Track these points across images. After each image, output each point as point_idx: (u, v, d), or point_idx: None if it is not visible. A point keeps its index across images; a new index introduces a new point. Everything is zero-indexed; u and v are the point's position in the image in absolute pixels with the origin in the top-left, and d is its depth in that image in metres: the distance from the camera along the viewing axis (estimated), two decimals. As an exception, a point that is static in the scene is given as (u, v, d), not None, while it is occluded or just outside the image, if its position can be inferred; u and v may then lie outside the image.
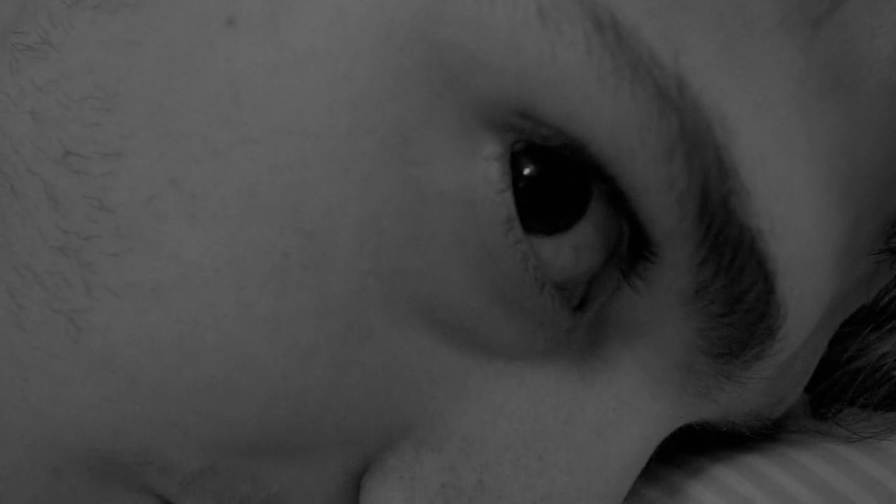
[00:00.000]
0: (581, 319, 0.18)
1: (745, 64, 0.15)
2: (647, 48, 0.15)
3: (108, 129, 0.17)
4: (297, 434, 0.17)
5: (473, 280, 0.17)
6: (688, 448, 0.22)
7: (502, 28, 0.15)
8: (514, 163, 0.16)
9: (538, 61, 0.15)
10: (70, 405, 0.17)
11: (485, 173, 0.16)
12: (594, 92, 0.15)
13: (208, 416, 0.17)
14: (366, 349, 0.17)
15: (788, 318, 0.17)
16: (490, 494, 0.17)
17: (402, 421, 0.17)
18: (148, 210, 0.16)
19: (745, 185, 0.16)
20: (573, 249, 0.17)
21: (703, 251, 0.16)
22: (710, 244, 0.16)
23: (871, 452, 0.21)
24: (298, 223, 0.16)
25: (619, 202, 0.16)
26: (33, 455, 0.18)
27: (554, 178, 0.16)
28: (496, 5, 0.15)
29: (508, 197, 0.16)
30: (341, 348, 0.16)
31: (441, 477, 0.17)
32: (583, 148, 0.15)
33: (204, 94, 0.16)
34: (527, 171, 0.16)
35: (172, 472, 0.17)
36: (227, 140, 0.16)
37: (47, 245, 0.17)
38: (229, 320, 0.16)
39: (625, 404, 0.18)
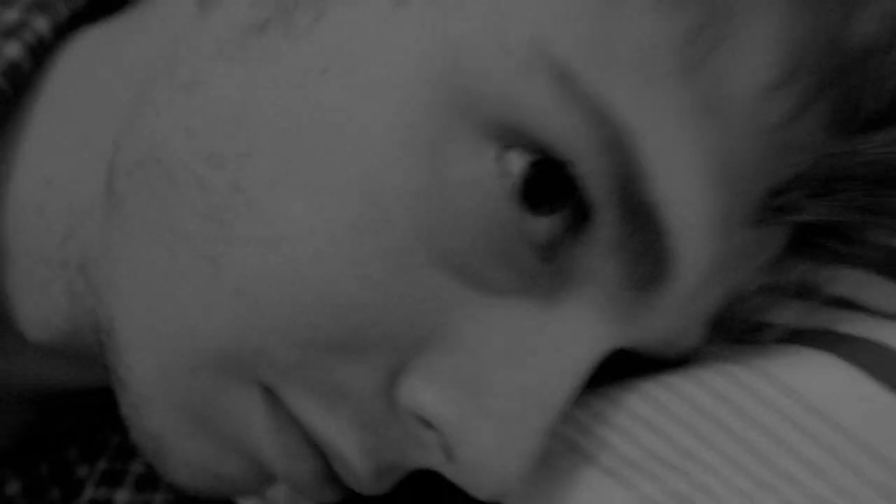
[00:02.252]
0: (548, 267, 0.24)
1: (651, 98, 0.22)
2: (589, 88, 0.22)
3: (240, 139, 0.24)
4: (357, 337, 0.24)
5: (478, 239, 0.23)
6: (630, 374, 0.29)
7: (500, 78, 0.23)
8: (514, 164, 0.23)
9: (521, 97, 0.22)
10: (210, 322, 0.25)
11: (489, 167, 0.23)
12: (555, 116, 0.22)
13: (303, 324, 0.24)
14: (407, 281, 0.23)
15: (681, 262, 0.24)
16: (483, 383, 0.24)
17: (426, 333, 0.24)
18: (270, 189, 0.24)
19: (649, 172, 0.22)
20: (551, 224, 0.24)
21: (623, 216, 0.23)
22: (628, 211, 0.23)
23: (750, 368, 0.28)
24: (368, 198, 0.23)
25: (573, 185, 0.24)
26: (178, 358, 0.26)
27: (542, 179, 0.23)
28: (496, 63, 0.22)
29: (506, 183, 0.23)
30: (392, 279, 0.23)
31: (451, 372, 0.24)
32: (552, 151, 0.22)
33: (307, 118, 0.24)
34: (524, 172, 0.23)
35: (276, 364, 0.25)
36: (323, 148, 0.23)
37: (198, 214, 0.25)
38: (321, 263, 0.23)
39: (576, 328, 0.25)
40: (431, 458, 0.26)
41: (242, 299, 0.24)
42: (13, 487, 0.35)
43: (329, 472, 0.27)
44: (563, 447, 0.28)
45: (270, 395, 0.26)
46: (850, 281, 0.31)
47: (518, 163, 0.23)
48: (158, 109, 0.26)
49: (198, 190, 0.25)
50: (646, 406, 0.28)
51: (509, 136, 0.23)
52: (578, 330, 0.25)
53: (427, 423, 0.25)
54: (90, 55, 0.31)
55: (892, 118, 0.25)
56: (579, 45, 0.22)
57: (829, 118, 0.25)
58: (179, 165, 0.25)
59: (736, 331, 0.29)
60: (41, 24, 0.30)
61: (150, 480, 0.36)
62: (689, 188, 0.23)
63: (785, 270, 0.29)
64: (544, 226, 0.24)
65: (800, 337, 0.29)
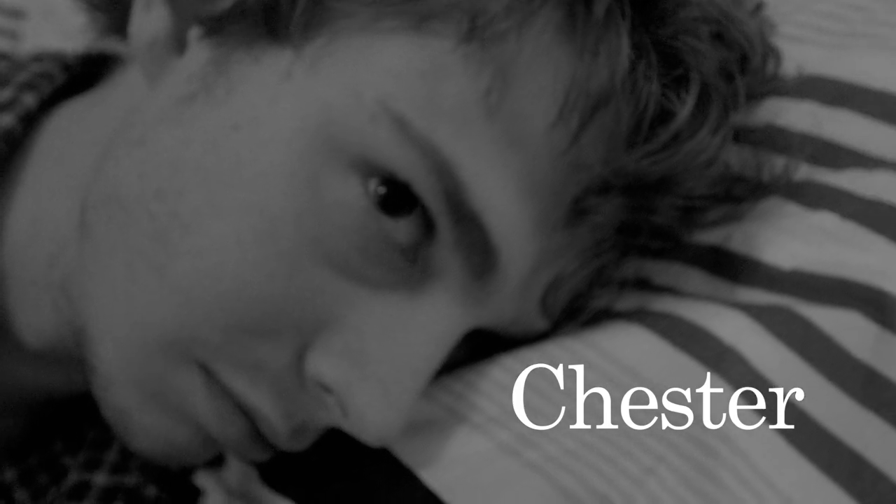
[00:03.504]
0: (412, 265, 0.30)
1: (469, 137, 0.29)
2: (421, 133, 0.28)
3: (176, 181, 0.32)
4: (266, 321, 0.30)
5: (352, 244, 0.30)
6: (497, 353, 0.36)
7: (356, 127, 0.30)
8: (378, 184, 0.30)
9: (372, 141, 0.29)
10: (157, 314, 0.31)
11: (354, 191, 0.29)
12: (397, 152, 0.29)
13: (226, 312, 0.30)
14: (301, 277, 0.30)
15: (506, 256, 0.30)
16: (367, 355, 0.30)
17: (321, 319, 0.30)
18: (198, 215, 0.31)
19: (468, 188, 0.29)
20: (407, 230, 0.30)
21: (453, 221, 0.29)
22: (457, 219, 0.29)
23: (581, 341, 0.35)
24: (268, 217, 0.29)
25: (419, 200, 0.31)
26: (135, 345, 0.31)
27: (394, 195, 0.30)
28: (352, 117, 0.30)
29: (368, 200, 0.29)
30: (289, 276, 0.30)
31: (342, 347, 0.30)
32: (397, 176, 0.29)
33: (225, 164, 0.30)
34: (380, 191, 0.30)
35: (207, 346, 0.32)
36: (238, 186, 0.30)
37: (147, 236, 0.32)
38: (238, 264, 0.30)
39: (437, 311, 0.31)
40: (333, 417, 0.32)
41: (180, 297, 0.30)
42: (9, 475, 0.42)
43: (256, 432, 0.33)
44: (442, 410, 0.35)
45: (206, 371, 0.31)
46: (670, 271, 0.39)
47: (376, 186, 0.30)
48: (118, 160, 0.32)
49: (147, 218, 0.31)
50: (503, 373, 0.35)
51: (368, 168, 0.30)
52: (438, 313, 0.31)
53: (327, 389, 0.31)
54: (68, 121, 0.38)
55: (646, 136, 0.31)
56: (412, 101, 0.29)
57: (602, 141, 0.30)
58: (134, 201, 0.31)
59: (582, 317, 0.36)
60: (29, 100, 0.37)
61: (123, 465, 0.43)
62: (503, 199, 0.30)
63: (622, 266, 0.36)
64: (402, 230, 0.30)
65: (621, 315, 0.37)
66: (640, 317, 0.36)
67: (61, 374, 0.39)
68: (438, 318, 0.32)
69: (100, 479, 0.42)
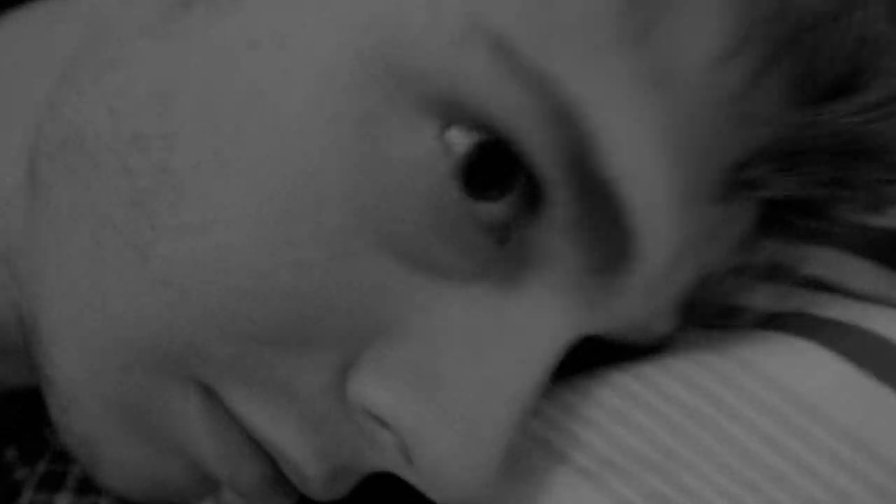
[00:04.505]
0: (502, 250, 0.23)
1: (597, 67, 0.21)
2: (530, 60, 0.21)
3: (166, 118, 0.23)
4: (298, 330, 0.23)
5: (421, 220, 0.22)
6: (599, 364, 0.28)
7: (434, 50, 0.21)
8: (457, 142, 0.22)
9: (458, 72, 0.21)
10: (137, 313, 0.23)
11: (427, 146, 0.21)
12: (494, 88, 0.21)
13: (237, 315, 0.23)
14: (348, 268, 0.22)
15: (644, 241, 0.22)
16: (440, 378, 0.23)
17: (374, 325, 0.23)
18: (196, 173, 0.22)
19: (599, 146, 0.21)
20: (501, 204, 0.22)
21: (577, 193, 0.22)
22: (581, 188, 0.22)
23: (726, 356, 0.26)
24: (300, 179, 0.22)
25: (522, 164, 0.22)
26: (107, 354, 0.24)
27: (487, 159, 0.22)
28: (428, 34, 0.21)
29: (449, 162, 0.21)
30: (331, 266, 0.22)
31: (403, 366, 0.23)
32: (491, 124, 0.21)
33: (235, 95, 0.22)
34: (467, 152, 0.21)
35: (211, 360, 0.23)
36: (253, 125, 0.22)
37: (122, 200, 0.23)
38: (253, 246, 0.22)
39: (538, 313, 0.23)
40: (388, 461, 0.24)
41: (171, 289, 0.23)
42: None
43: (277, 476, 0.26)
44: (533, 444, 0.27)
45: (208, 393, 0.24)
46: (824, 261, 0.30)
47: (460, 141, 0.22)
48: (81, 89, 0.24)
49: (122, 174, 0.23)
50: (618, 398, 0.27)
51: (450, 112, 0.21)
52: (540, 316, 0.24)
53: (381, 422, 0.24)
54: (11, 40, 0.29)
55: (852, 87, 0.23)
56: (515, 16, 0.21)
57: (787, 89, 0.23)
58: (103, 148, 0.24)
59: (707, 315, 0.27)
60: None
61: (93, 483, 0.34)
62: (646, 162, 0.22)
63: (755, 250, 0.27)
64: (493, 206, 0.22)
65: (775, 321, 0.28)
66: (807, 326, 0.27)
67: (12, 365, 0.31)
68: (541, 323, 0.24)
69: (62, 501, 0.33)
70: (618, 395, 0.27)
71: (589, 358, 0.28)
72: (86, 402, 0.25)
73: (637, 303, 0.25)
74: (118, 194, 0.23)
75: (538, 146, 0.21)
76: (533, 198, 0.23)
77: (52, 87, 0.25)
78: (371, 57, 0.21)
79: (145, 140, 0.23)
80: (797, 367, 0.26)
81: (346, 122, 0.22)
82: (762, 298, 0.28)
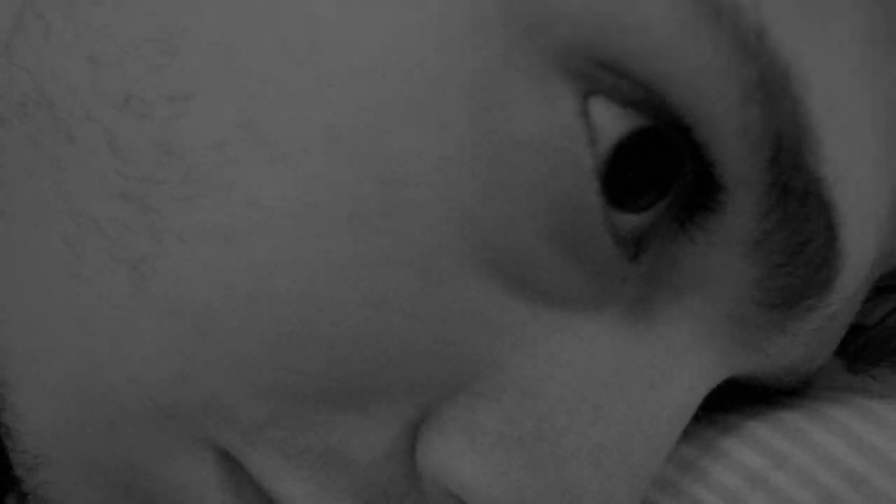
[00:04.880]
0: (636, 269, 0.18)
1: (819, 18, 0.16)
2: (756, 25, 0.16)
3: (173, 73, 0.17)
4: (363, 381, 0.17)
5: (542, 229, 0.17)
6: (719, 405, 0.23)
7: (571, 7, 0.15)
8: (598, 122, 0.16)
9: (619, 9, 0.15)
10: (131, 355, 0.17)
11: (563, 125, 0.16)
12: (676, 41, 0.15)
13: (278, 363, 0.17)
14: (438, 296, 0.17)
15: (846, 267, 0.18)
16: (547, 443, 0.18)
17: (463, 370, 0.18)
18: (219, 154, 0.16)
19: (816, 134, 0.16)
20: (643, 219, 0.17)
21: (770, 199, 0.17)
22: (779, 192, 0.16)
23: None
24: (377, 169, 0.16)
25: (691, 153, 0.16)
26: (89, 408, 0.18)
27: (640, 154, 0.17)
28: None
29: (589, 152, 0.16)
30: (415, 295, 0.17)
31: (500, 426, 0.18)
32: (662, 97, 0.16)
33: (277, 35, 0.16)
34: (613, 142, 0.16)
35: (236, 420, 0.18)
36: (303, 83, 0.16)
37: (108, 191, 0.17)
38: (306, 266, 0.16)
39: (675, 356, 0.19)
40: None
41: (183, 325, 0.17)
42: None
43: None
44: None
45: (229, 462, 0.19)
46: None
47: (611, 123, 0.16)
48: (48, 26, 0.18)
49: (109, 153, 0.17)
50: (759, 458, 0.22)
51: (600, 77, 0.16)
52: (683, 359, 0.19)
53: (462, 499, 0.19)
54: None
55: None
56: None
57: None
58: (80, 114, 0.18)
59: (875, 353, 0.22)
60: None
61: None
62: (866, 159, 0.17)
63: None
64: (637, 217, 0.18)
65: None
66: None
67: None
68: (682, 368, 0.19)
69: None
70: (757, 453, 0.22)
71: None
72: (59, 464, 0.20)
73: (804, 342, 0.20)
74: (103, 183, 0.17)
75: (731, 131, 0.16)
76: (691, 201, 0.17)
77: (6, 23, 0.19)
78: None
79: (144, 104, 0.17)
80: None
81: (447, 83, 0.16)
82: None
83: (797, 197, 0.17)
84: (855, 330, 0.22)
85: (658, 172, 0.17)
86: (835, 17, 0.16)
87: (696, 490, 0.21)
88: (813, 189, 0.17)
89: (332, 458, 0.18)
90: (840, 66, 0.16)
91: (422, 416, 0.18)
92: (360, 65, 0.16)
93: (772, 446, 0.22)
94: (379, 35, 0.16)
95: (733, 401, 0.23)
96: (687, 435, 0.23)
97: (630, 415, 0.18)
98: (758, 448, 0.21)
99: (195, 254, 0.17)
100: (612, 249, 0.18)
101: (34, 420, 0.20)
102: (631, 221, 0.17)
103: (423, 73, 0.16)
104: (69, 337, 0.18)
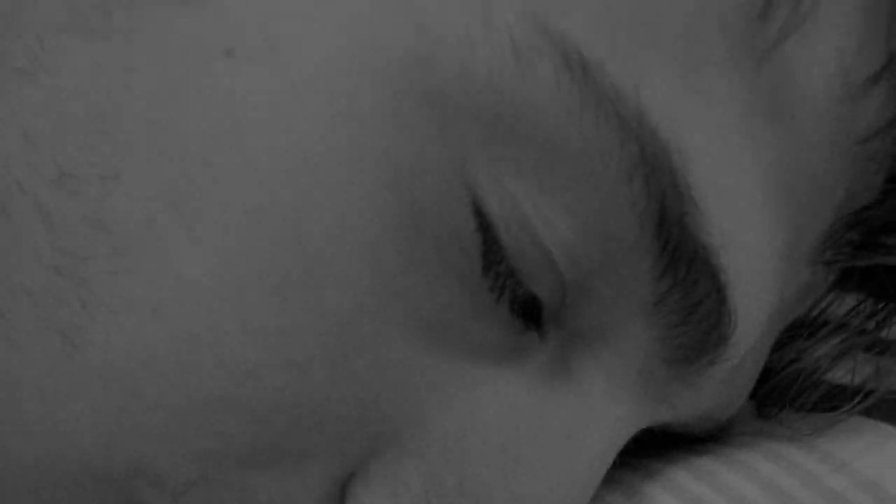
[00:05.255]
0: (544, 333, 0.19)
1: (698, 95, 0.17)
2: (611, 82, 0.16)
3: (104, 152, 0.17)
4: (288, 444, 0.18)
5: (458, 294, 0.18)
6: (641, 451, 0.24)
7: (481, 70, 0.16)
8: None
9: (513, 98, 0.16)
10: (62, 422, 0.17)
11: (466, 219, 0.17)
12: (562, 124, 0.16)
13: (204, 428, 0.17)
14: (359, 360, 0.17)
15: (739, 325, 0.19)
16: (470, 496, 0.18)
17: (387, 428, 0.18)
18: (146, 230, 0.17)
19: (698, 206, 0.17)
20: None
21: (660, 265, 0.17)
22: (668, 258, 0.17)
23: (810, 451, 0.22)
24: (299, 244, 0.17)
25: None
26: (15, 473, 0.18)
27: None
28: (475, 47, 0.16)
29: (478, 237, 0.17)
30: (336, 360, 0.17)
31: (423, 481, 0.18)
32: (552, 174, 0.17)
33: (202, 120, 0.17)
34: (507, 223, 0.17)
35: (164, 484, 0.18)
36: (228, 165, 0.17)
37: (41, 264, 0.17)
38: (229, 337, 0.17)
39: (591, 409, 0.19)
40: None
41: (111, 392, 0.17)
42: None
43: None
44: None
45: None
46: None
47: (506, 204, 0.17)
48: None
49: (42, 227, 0.18)
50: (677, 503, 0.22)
51: (501, 156, 0.17)
52: (598, 413, 0.20)
53: None
54: None
55: None
56: (595, 21, 0.17)
57: None
58: (14, 188, 0.18)
59: (802, 397, 0.23)
60: None
61: None
62: (750, 223, 0.18)
63: (861, 319, 0.23)
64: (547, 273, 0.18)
65: (877, 407, 0.23)
66: None
67: None
68: (597, 421, 0.20)
69: None
70: (676, 497, 0.22)
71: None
72: None
73: (712, 394, 0.21)
74: (35, 255, 0.17)
75: (619, 204, 0.17)
76: (599, 263, 0.18)
77: None
78: (400, 84, 0.17)
79: (76, 182, 0.17)
80: (892, 464, 0.22)
81: (368, 171, 0.17)
82: (864, 377, 0.24)
83: (686, 262, 0.17)
84: (766, 375, 0.23)
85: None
86: (716, 96, 0.17)
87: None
88: (700, 255, 0.17)
89: None
90: (721, 141, 0.17)
91: (350, 472, 0.19)
92: (284, 149, 0.17)
93: (690, 490, 0.22)
94: (300, 119, 0.17)
95: (655, 448, 0.24)
96: (612, 481, 0.23)
97: (549, 466, 0.19)
98: (676, 492, 0.22)
99: (124, 324, 0.17)
100: (508, 322, 0.18)
101: None
102: (528, 293, 0.18)
103: (341, 161, 0.17)
104: (1, 406, 0.18)
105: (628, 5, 0.17)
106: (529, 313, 0.18)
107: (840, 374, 0.23)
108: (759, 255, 0.18)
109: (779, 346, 0.23)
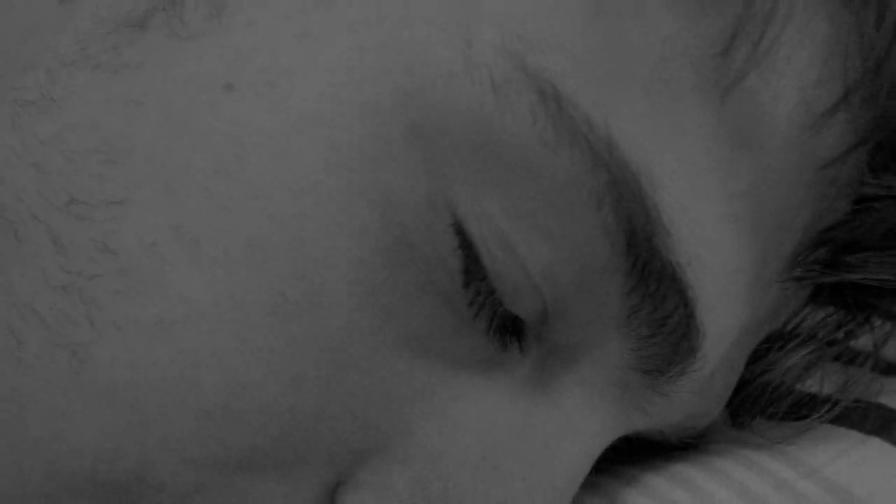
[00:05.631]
0: (536, 342, 0.20)
1: (667, 125, 0.18)
2: (584, 115, 0.17)
3: (112, 180, 0.18)
4: (282, 452, 0.19)
5: (448, 316, 0.19)
6: (622, 459, 0.25)
7: (463, 104, 0.17)
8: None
9: (492, 130, 0.17)
10: (70, 434, 0.18)
11: (448, 242, 0.18)
12: (538, 154, 0.17)
13: (204, 438, 0.18)
14: (350, 375, 0.18)
15: (707, 338, 0.19)
16: (453, 501, 0.19)
17: (375, 438, 0.19)
18: (151, 253, 0.18)
19: (666, 228, 0.18)
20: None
21: (631, 281, 0.18)
22: (638, 276, 0.18)
23: (781, 457, 0.23)
24: (295, 268, 0.18)
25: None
26: (26, 482, 0.19)
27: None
28: (458, 82, 0.17)
29: (459, 257, 0.18)
30: (328, 375, 0.18)
31: (409, 486, 0.19)
32: (529, 200, 0.18)
33: (206, 151, 0.18)
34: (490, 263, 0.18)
35: (165, 489, 0.19)
36: (230, 193, 0.18)
37: (50, 285, 0.18)
38: (228, 353, 0.18)
39: (569, 418, 0.20)
40: None
41: (117, 406, 0.18)
42: None
43: None
44: None
45: None
46: None
47: (487, 231, 0.18)
48: None
49: (52, 251, 0.18)
50: None
51: (478, 189, 0.18)
52: (575, 422, 0.21)
53: None
54: None
55: None
56: (568, 57, 0.18)
57: (868, 157, 0.21)
58: (26, 215, 0.19)
59: (773, 406, 0.24)
60: None
61: None
62: (717, 244, 0.19)
63: (829, 330, 0.23)
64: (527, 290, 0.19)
65: (844, 414, 0.24)
66: (877, 420, 0.24)
67: None
68: (574, 430, 0.21)
69: None
70: (654, 502, 0.23)
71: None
72: None
73: (685, 403, 0.21)
74: (45, 277, 0.18)
75: (590, 226, 0.18)
76: (574, 281, 0.19)
77: None
78: (390, 116, 0.18)
79: (84, 208, 0.18)
80: (859, 470, 0.23)
81: (360, 199, 0.18)
82: (833, 386, 0.25)
83: (655, 279, 0.18)
84: (739, 385, 0.24)
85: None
86: (684, 126, 0.18)
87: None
88: (668, 272, 0.18)
89: None
90: (689, 167, 0.18)
91: (340, 478, 0.19)
92: (282, 180, 0.17)
93: (667, 496, 0.23)
94: (297, 151, 0.18)
95: (633, 454, 0.25)
96: (593, 487, 0.24)
97: (528, 473, 0.20)
98: (654, 498, 0.23)
99: (130, 342, 0.18)
100: (485, 338, 0.19)
101: None
102: (508, 313, 0.19)
103: (337, 190, 0.17)
104: (8, 415, 0.19)
105: (601, 42, 0.18)
106: (510, 330, 0.19)
107: (810, 384, 0.24)
108: (726, 274, 0.19)
109: (752, 358, 0.24)
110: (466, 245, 0.18)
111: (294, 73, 0.18)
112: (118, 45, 0.19)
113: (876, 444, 0.23)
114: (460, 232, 0.18)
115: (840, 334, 0.24)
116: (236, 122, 0.18)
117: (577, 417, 0.20)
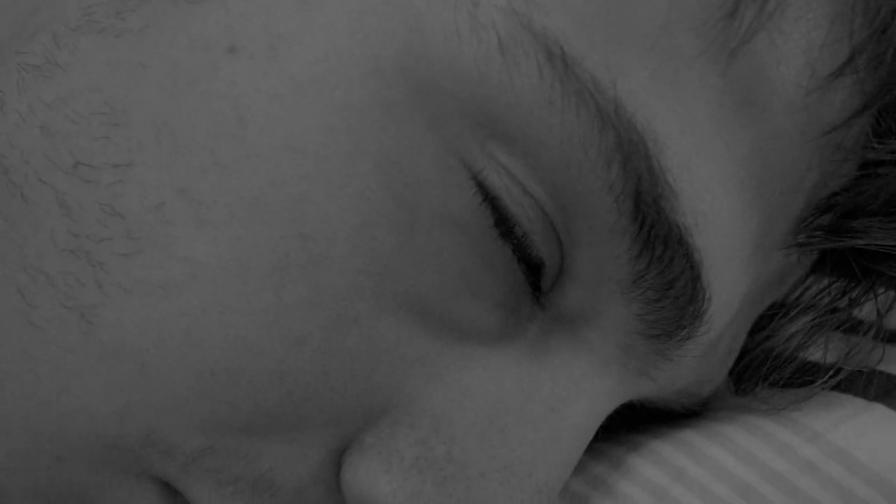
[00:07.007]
0: (539, 306, 0.20)
1: (672, 87, 0.18)
2: (590, 76, 0.17)
3: (117, 142, 0.18)
4: (287, 413, 0.19)
5: (453, 277, 0.19)
6: (627, 426, 0.25)
7: (470, 64, 0.17)
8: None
9: (499, 90, 0.17)
10: (79, 395, 0.19)
11: (465, 193, 0.18)
12: (545, 114, 0.17)
13: (210, 399, 0.18)
14: (352, 336, 0.18)
15: (713, 302, 0.19)
16: (458, 464, 0.19)
17: (380, 401, 0.19)
18: (157, 215, 0.18)
19: (672, 189, 0.18)
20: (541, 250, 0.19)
21: (638, 245, 0.18)
22: (644, 238, 0.18)
23: (785, 423, 0.23)
24: (298, 228, 0.18)
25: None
26: (37, 443, 0.19)
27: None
28: (464, 42, 0.17)
29: (487, 214, 0.18)
30: (331, 335, 0.18)
31: (414, 450, 0.19)
32: (537, 160, 0.18)
33: (209, 113, 0.18)
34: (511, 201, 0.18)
35: (174, 453, 0.19)
36: (233, 155, 0.18)
37: (59, 248, 0.18)
38: (233, 312, 0.18)
39: (575, 383, 0.20)
40: None
41: (124, 366, 0.18)
42: None
43: None
44: None
45: (168, 492, 0.20)
46: None
47: (502, 184, 0.18)
48: (3, 99, 0.20)
49: (59, 214, 0.19)
50: (659, 473, 0.23)
51: (489, 149, 0.18)
52: (580, 387, 0.21)
53: None
54: None
55: None
56: (575, 18, 0.17)
57: (873, 121, 0.20)
58: (33, 178, 0.19)
59: (776, 373, 0.24)
60: None
61: None
62: (723, 205, 0.19)
63: (832, 298, 0.24)
64: (533, 250, 0.19)
65: (846, 381, 0.24)
66: (879, 387, 0.24)
67: None
68: (578, 395, 0.21)
69: None
70: (659, 468, 0.23)
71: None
72: (7, 495, 0.20)
73: (690, 368, 0.21)
74: (53, 240, 0.18)
75: (598, 187, 0.18)
76: (581, 244, 0.19)
77: None
78: (393, 76, 0.18)
79: (90, 171, 0.18)
80: (862, 435, 0.23)
81: (363, 160, 0.18)
82: (836, 354, 0.25)
83: (661, 242, 0.18)
84: (742, 353, 0.25)
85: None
86: (689, 88, 0.18)
87: (595, 495, 0.23)
88: (675, 235, 0.18)
89: (263, 485, 0.19)
90: (694, 129, 0.18)
91: (345, 443, 0.20)
92: (283, 141, 0.18)
93: (671, 462, 0.23)
94: (299, 112, 0.18)
95: (639, 422, 0.25)
96: (597, 453, 0.24)
97: (533, 437, 0.20)
98: (659, 464, 0.23)
99: (135, 303, 0.18)
100: (516, 289, 0.19)
101: None
102: (538, 257, 0.19)
103: (339, 152, 0.18)
104: (19, 377, 0.19)
105: (607, 3, 0.18)
106: (537, 276, 0.19)
107: (813, 352, 0.24)
108: (731, 237, 0.19)
109: (755, 326, 0.24)
110: (492, 197, 0.18)
111: (296, 36, 0.18)
112: (122, 10, 0.19)
113: (879, 411, 0.23)
114: (481, 185, 0.18)
115: (843, 302, 0.24)
116: (239, 85, 0.18)
117: (583, 383, 0.20)
